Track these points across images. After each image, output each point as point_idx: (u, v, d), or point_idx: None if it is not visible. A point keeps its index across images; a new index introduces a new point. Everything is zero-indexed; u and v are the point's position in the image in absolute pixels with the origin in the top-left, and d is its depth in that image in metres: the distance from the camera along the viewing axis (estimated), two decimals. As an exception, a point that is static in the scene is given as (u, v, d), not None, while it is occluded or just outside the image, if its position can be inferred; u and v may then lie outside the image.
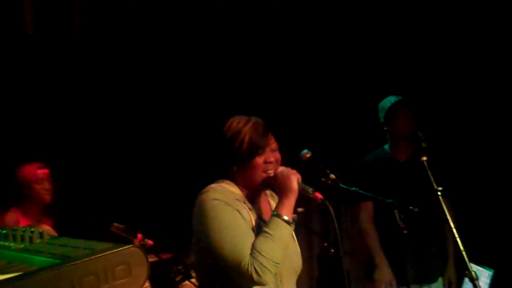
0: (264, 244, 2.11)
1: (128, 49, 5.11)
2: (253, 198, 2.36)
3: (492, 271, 3.26)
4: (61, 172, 4.39)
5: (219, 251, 2.14)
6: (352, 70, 5.04)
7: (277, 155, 2.33)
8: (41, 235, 1.55)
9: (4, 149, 4.51)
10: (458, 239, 2.48)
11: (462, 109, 4.74)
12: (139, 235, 3.57)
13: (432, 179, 2.62)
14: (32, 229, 1.56)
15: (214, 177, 2.38)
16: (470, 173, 4.61)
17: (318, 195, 2.28)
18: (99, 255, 1.28)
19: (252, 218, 2.27)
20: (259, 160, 2.28)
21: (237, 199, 2.26)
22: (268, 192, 2.48)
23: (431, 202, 2.92)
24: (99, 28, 5.08)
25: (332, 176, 2.79)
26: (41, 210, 4.12)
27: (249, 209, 2.29)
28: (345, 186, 2.88)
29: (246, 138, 2.26)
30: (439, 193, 2.58)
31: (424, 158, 2.70)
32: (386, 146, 4.08)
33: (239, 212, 2.21)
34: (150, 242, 3.66)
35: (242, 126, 2.30)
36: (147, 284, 3.42)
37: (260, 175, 2.29)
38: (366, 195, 3.02)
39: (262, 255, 2.09)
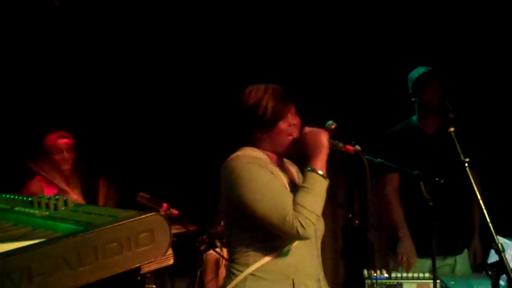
0: (305, 198, 2.15)
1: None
2: (279, 162, 2.41)
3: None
4: (87, 141, 4.43)
5: (261, 210, 2.16)
6: (382, 40, 4.94)
7: (298, 119, 2.38)
8: (65, 202, 1.57)
9: (32, 117, 4.57)
10: (484, 211, 2.43)
11: (491, 81, 4.64)
12: (165, 205, 3.62)
13: (459, 150, 2.56)
14: (57, 197, 1.58)
15: (236, 145, 2.39)
16: (498, 145, 4.54)
17: (350, 147, 2.32)
18: (122, 222, 1.28)
19: (284, 179, 2.31)
20: (283, 124, 2.32)
21: (266, 163, 2.30)
22: (285, 160, 2.52)
23: (459, 174, 2.88)
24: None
25: (358, 147, 2.75)
26: (63, 179, 4.19)
27: (280, 171, 2.33)
28: (370, 158, 2.85)
29: (270, 105, 2.30)
30: (466, 164, 2.53)
31: (452, 129, 2.64)
32: (414, 118, 4.03)
33: (272, 173, 2.25)
34: (175, 212, 3.71)
35: (263, 93, 2.33)
36: (170, 251, 3.46)
37: (286, 139, 2.34)
38: (391, 167, 2.98)
39: (305, 208, 2.13)
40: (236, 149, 2.37)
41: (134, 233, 1.29)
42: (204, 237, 5.07)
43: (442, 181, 2.82)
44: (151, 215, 1.32)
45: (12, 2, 4.65)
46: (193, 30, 5.09)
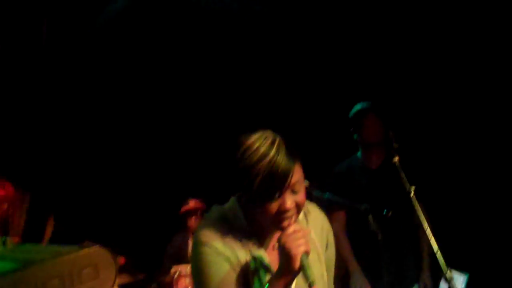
0: None
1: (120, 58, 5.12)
2: (262, 235, 1.93)
3: (467, 274, 3.26)
4: (37, 185, 4.33)
5: None
6: (324, 78, 5.05)
7: (299, 198, 1.81)
8: (4, 242, 1.50)
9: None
10: (432, 240, 2.46)
11: (432, 110, 4.76)
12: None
13: (404, 180, 2.60)
14: (-5, 237, 1.51)
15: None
16: (443, 175, 4.63)
17: None
18: (63, 257, 1.23)
19: (250, 266, 1.87)
20: (273, 206, 1.78)
21: (237, 240, 1.88)
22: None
23: (405, 208, 2.91)
24: (66, 43, 5.07)
25: (306, 183, 2.76)
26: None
27: (252, 254, 1.89)
28: (318, 194, 2.86)
29: (259, 179, 1.74)
30: (411, 193, 2.57)
31: (396, 159, 2.68)
32: (359, 153, 4.08)
33: (232, 264, 1.84)
34: (122, 259, 3.60)
35: (259, 159, 1.75)
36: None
37: (269, 224, 1.83)
38: (338, 202, 3.00)
39: None
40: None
41: (77, 268, 1.23)
42: (154, 286, 4.98)
43: (389, 213, 2.85)
44: (94, 248, 1.27)
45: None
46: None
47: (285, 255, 1.73)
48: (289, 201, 1.78)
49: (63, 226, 4.63)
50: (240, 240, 1.87)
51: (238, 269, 1.84)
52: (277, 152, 1.76)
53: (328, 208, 3.97)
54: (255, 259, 1.87)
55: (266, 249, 1.91)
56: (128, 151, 5.40)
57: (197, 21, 4.99)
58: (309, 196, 2.59)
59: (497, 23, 4.35)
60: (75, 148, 5.06)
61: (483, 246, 4.35)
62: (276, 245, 1.82)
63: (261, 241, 1.91)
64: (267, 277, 1.84)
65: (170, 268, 4.70)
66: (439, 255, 2.41)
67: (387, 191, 3.71)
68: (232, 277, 1.82)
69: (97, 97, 5.20)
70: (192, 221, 5.09)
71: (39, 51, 5.02)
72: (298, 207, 1.81)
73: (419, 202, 2.62)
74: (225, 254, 1.83)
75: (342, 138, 4.42)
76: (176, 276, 4.56)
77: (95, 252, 1.27)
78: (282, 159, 1.75)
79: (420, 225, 2.59)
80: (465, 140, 4.60)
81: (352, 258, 3.90)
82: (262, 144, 1.78)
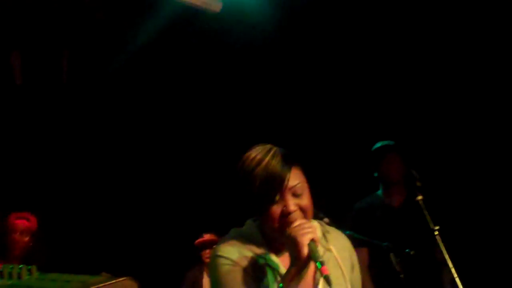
0: None
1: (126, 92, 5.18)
2: (278, 249, 1.91)
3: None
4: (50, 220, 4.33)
5: None
6: (348, 115, 5.05)
7: (303, 201, 1.82)
8: (30, 271, 1.48)
9: None
10: (457, 279, 2.41)
11: (455, 149, 4.72)
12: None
13: (428, 218, 2.56)
14: (21, 266, 1.49)
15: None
16: (467, 212, 4.55)
17: (324, 271, 1.73)
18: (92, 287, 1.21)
19: (267, 277, 1.86)
20: (276, 210, 1.81)
21: (254, 254, 1.88)
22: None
23: (427, 246, 2.87)
24: (86, 79, 5.14)
25: (326, 220, 2.72)
26: (20, 262, 4.00)
27: (266, 265, 1.88)
28: (339, 230, 2.82)
29: (256, 183, 1.80)
30: (436, 232, 2.52)
31: (420, 198, 2.65)
32: (380, 192, 4.05)
33: (248, 273, 1.85)
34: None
35: (255, 165, 1.82)
36: None
37: (278, 229, 1.82)
38: (361, 239, 2.96)
39: None
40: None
41: (105, 299, 1.22)
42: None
43: (412, 252, 2.80)
44: (123, 279, 1.26)
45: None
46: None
47: (293, 243, 1.74)
48: (291, 204, 1.80)
49: (79, 257, 4.63)
50: (255, 250, 1.88)
51: (253, 276, 1.84)
52: (272, 157, 1.83)
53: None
54: (271, 267, 1.87)
55: (281, 258, 1.89)
56: (144, 186, 5.39)
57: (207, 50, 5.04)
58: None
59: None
60: (94, 182, 5.07)
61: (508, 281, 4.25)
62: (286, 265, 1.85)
63: (277, 252, 1.90)
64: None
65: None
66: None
67: (408, 231, 3.65)
68: (247, 285, 1.83)
69: (111, 122, 5.23)
70: (206, 255, 5.05)
71: (59, 87, 5.08)
72: (303, 211, 1.81)
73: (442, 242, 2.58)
74: (240, 263, 1.84)
75: (363, 175, 4.40)
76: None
77: (122, 284, 1.25)
78: (277, 162, 1.82)
79: (444, 264, 2.55)
80: (488, 181, 4.54)
81: None
82: (259, 152, 1.86)
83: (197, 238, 5.11)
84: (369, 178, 4.15)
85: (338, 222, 2.93)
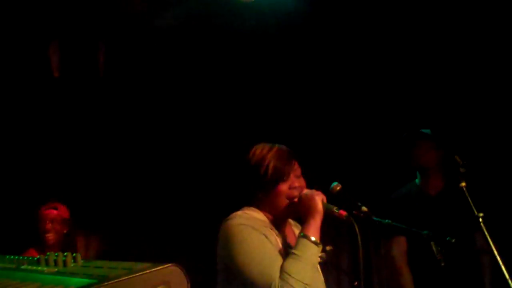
0: (293, 265, 2.11)
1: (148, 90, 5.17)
2: (278, 224, 2.37)
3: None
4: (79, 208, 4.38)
5: (248, 274, 2.14)
6: (387, 100, 4.99)
7: (302, 181, 2.37)
8: (75, 258, 1.49)
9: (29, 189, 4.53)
10: (502, 266, 2.35)
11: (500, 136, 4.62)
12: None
13: (472, 205, 2.51)
14: (66, 253, 1.50)
15: (240, 204, 2.40)
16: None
17: (343, 212, 2.26)
18: (138, 274, 1.22)
19: (279, 242, 2.27)
20: (284, 186, 2.31)
21: (263, 225, 2.27)
22: (291, 221, 2.53)
23: (467, 234, 2.80)
24: (122, 72, 5.16)
25: (364, 208, 2.68)
26: (58, 251, 4.06)
27: (276, 235, 2.29)
28: (378, 219, 2.78)
29: (271, 165, 2.30)
30: (480, 219, 2.47)
31: (463, 184, 2.59)
32: (417, 180, 3.98)
33: (266, 237, 2.22)
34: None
35: (266, 152, 2.34)
36: None
37: (284, 201, 2.31)
38: (400, 228, 2.90)
39: (292, 276, 2.08)
40: (239, 207, 2.39)
41: (151, 285, 1.22)
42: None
43: (453, 240, 2.74)
44: (168, 266, 1.25)
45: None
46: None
47: (308, 200, 2.26)
48: (296, 181, 2.34)
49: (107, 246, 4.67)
50: (264, 225, 2.28)
51: (270, 241, 2.23)
52: (279, 148, 2.38)
53: (389, 234, 3.90)
54: (278, 236, 2.30)
55: (283, 236, 2.37)
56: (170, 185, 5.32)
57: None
58: (369, 221, 2.55)
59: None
60: (130, 172, 5.09)
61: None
62: (288, 238, 2.38)
63: (279, 232, 2.35)
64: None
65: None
66: (510, 281, 2.30)
67: (447, 219, 3.59)
68: (268, 243, 2.20)
69: (146, 116, 5.24)
70: None
71: (96, 81, 5.11)
72: (302, 187, 2.36)
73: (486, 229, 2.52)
74: (258, 229, 2.22)
75: (401, 164, 4.34)
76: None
77: (168, 270, 1.25)
78: (284, 149, 2.38)
79: (485, 251, 2.49)
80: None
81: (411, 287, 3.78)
82: (265, 147, 2.39)
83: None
84: (407, 168, 4.10)
85: (375, 212, 2.90)
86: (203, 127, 5.16)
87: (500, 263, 2.37)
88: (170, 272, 1.26)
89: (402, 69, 4.92)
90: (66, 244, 4.06)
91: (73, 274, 1.33)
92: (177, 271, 1.27)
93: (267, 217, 2.34)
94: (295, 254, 2.14)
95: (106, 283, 1.17)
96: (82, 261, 1.50)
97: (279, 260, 2.16)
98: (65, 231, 4.15)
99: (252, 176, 2.34)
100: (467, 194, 2.55)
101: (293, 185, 2.33)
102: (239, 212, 2.33)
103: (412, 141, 3.84)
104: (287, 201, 2.32)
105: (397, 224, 2.85)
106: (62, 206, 4.20)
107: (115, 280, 1.18)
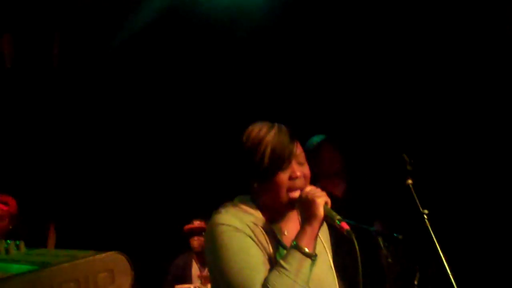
0: (278, 280, 1.79)
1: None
2: (277, 219, 2.00)
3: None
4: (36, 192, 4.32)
5: (227, 282, 1.86)
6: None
7: (305, 169, 1.96)
8: (17, 246, 1.47)
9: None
10: (444, 262, 2.42)
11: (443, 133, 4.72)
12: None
13: (417, 202, 2.57)
14: (8, 241, 1.48)
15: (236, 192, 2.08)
16: (456, 198, 4.55)
17: (344, 226, 1.87)
18: (80, 261, 1.21)
19: (269, 245, 1.92)
20: (283, 176, 1.91)
21: (253, 222, 1.93)
22: (293, 214, 2.09)
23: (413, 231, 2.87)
24: (77, 63, 5.10)
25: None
26: None
27: (267, 233, 1.94)
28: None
29: (268, 150, 1.90)
30: (425, 216, 2.54)
31: (410, 182, 2.66)
32: (318, 184, 3.98)
33: (252, 239, 1.89)
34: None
35: (263, 135, 1.93)
36: None
37: (284, 194, 1.92)
38: (349, 224, 2.94)
39: None
40: (232, 197, 2.08)
41: (93, 272, 1.21)
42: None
43: (400, 236, 2.81)
44: (112, 253, 1.25)
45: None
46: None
47: (308, 203, 1.87)
48: (298, 170, 1.93)
49: (65, 237, 4.62)
50: (254, 221, 1.94)
51: (256, 242, 1.90)
52: (278, 129, 1.96)
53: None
54: (271, 235, 1.94)
55: (279, 233, 1.98)
56: (133, 171, 5.38)
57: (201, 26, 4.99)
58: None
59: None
60: (83, 163, 5.05)
61: (493, 272, 4.27)
62: (287, 232, 2.00)
63: (274, 225, 1.99)
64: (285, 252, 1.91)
65: (173, 287, 4.67)
66: (451, 277, 2.37)
67: (356, 215, 3.63)
68: (253, 246, 1.88)
69: (101, 107, 5.21)
70: (195, 242, 5.04)
71: (50, 70, 5.04)
72: (306, 179, 1.95)
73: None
74: (243, 229, 1.89)
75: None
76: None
77: (111, 257, 1.25)
78: (284, 133, 1.94)
79: (431, 248, 2.56)
80: (476, 165, 4.53)
81: None
82: (263, 126, 1.97)
83: (187, 225, 5.11)
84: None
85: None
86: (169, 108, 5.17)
87: (443, 259, 2.43)
88: (114, 260, 1.25)
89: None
90: (11, 236, 3.98)
91: (14, 261, 1.31)
92: (121, 259, 1.26)
93: (263, 212, 1.97)
94: (282, 267, 1.81)
95: (47, 269, 1.17)
96: (25, 249, 1.48)
97: (262, 270, 1.84)
98: (10, 227, 4.08)
99: (246, 162, 1.94)
100: (413, 191, 2.61)
101: (294, 174, 1.92)
102: (228, 205, 1.99)
103: (319, 147, 3.88)
104: (288, 194, 1.92)
105: (348, 221, 2.90)
106: (12, 201, 4.12)
107: (57, 267, 1.18)
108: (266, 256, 1.90)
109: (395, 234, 2.82)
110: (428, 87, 4.68)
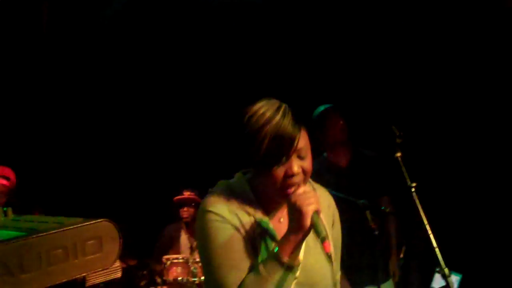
0: (255, 285, 1.72)
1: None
2: (273, 205, 1.89)
3: (460, 275, 3.25)
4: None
5: (205, 274, 1.87)
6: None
7: (306, 164, 1.79)
8: (5, 213, 1.47)
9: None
10: (431, 236, 2.44)
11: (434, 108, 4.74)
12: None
13: (406, 175, 2.58)
14: (-4, 207, 1.48)
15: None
16: (442, 172, 4.58)
17: (327, 247, 1.67)
18: (68, 228, 1.21)
19: (257, 235, 1.83)
20: (279, 171, 1.75)
21: (244, 209, 1.84)
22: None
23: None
24: (67, 29, 5.04)
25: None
26: None
27: (257, 222, 1.84)
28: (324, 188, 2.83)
29: (265, 142, 1.73)
30: (412, 189, 2.54)
31: (399, 154, 2.65)
32: (325, 154, 4.03)
33: (239, 230, 1.81)
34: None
35: (265, 122, 1.74)
36: (117, 263, 3.33)
37: (278, 188, 1.78)
38: (337, 196, 2.96)
39: None
40: (225, 170, 2.02)
41: (81, 239, 1.22)
42: (145, 272, 4.97)
43: (387, 210, 2.84)
44: (100, 221, 1.25)
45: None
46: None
47: (296, 212, 1.70)
48: (296, 165, 1.75)
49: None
50: (246, 208, 1.84)
51: (243, 234, 1.81)
52: (283, 116, 1.75)
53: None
54: (260, 225, 1.83)
55: (271, 219, 1.87)
56: (124, 140, 5.37)
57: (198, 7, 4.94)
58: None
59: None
60: (69, 138, 5.03)
61: (479, 247, 4.33)
62: (282, 219, 1.86)
63: (267, 212, 1.87)
64: (273, 245, 1.80)
65: (161, 256, 4.69)
66: (437, 251, 2.39)
67: (358, 190, 3.65)
68: (237, 240, 1.79)
69: (92, 77, 5.17)
70: (185, 212, 5.07)
71: (39, 38, 4.98)
72: (305, 174, 1.78)
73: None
74: (231, 220, 1.80)
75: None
76: (167, 264, 4.55)
77: (100, 225, 1.25)
78: (288, 123, 1.74)
79: (418, 221, 2.57)
80: (464, 140, 4.57)
81: None
82: (268, 109, 1.77)
83: (177, 195, 5.12)
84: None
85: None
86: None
87: (430, 233, 2.45)
88: (102, 227, 1.25)
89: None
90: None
91: (2, 227, 1.31)
92: (109, 226, 1.27)
93: (258, 195, 1.87)
94: (260, 274, 1.72)
95: (34, 236, 1.16)
96: (12, 215, 1.48)
97: (242, 269, 1.76)
98: (4, 200, 4.06)
99: (242, 147, 1.80)
100: (401, 164, 2.61)
101: (291, 171, 1.75)
102: (222, 185, 1.91)
103: (325, 116, 3.89)
104: (280, 192, 1.78)
105: (336, 193, 2.91)
106: (13, 175, 4.08)
107: (44, 233, 1.18)
108: (251, 249, 1.81)
109: (382, 207, 2.84)
110: (417, 59, 4.69)
